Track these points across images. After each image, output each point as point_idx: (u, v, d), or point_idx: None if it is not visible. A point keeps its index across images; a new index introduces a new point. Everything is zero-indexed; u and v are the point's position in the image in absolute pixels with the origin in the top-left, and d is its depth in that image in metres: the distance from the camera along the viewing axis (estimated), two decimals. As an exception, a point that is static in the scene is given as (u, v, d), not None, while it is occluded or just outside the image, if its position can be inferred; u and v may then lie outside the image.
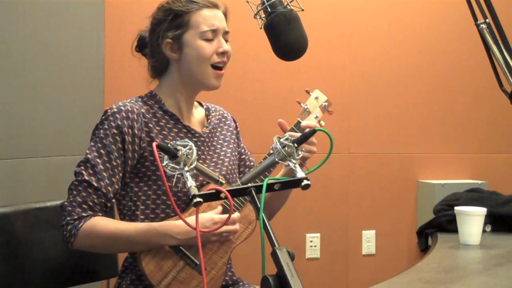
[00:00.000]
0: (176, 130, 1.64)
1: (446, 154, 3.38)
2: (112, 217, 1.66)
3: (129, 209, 1.61)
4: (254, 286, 1.73)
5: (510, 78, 1.58)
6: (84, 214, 1.52)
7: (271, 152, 1.20)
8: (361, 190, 3.26)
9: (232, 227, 1.57)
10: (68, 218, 1.51)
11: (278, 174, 1.74)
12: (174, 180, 1.13)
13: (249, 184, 1.11)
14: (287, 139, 1.17)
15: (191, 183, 1.09)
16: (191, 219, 1.50)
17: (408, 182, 3.32)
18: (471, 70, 3.34)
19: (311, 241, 3.19)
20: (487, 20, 1.63)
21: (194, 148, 1.13)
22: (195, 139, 1.67)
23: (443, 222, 2.19)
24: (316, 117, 1.72)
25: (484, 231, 2.03)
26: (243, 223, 1.64)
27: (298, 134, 1.59)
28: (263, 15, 1.47)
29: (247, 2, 1.50)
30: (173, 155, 1.11)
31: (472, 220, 1.96)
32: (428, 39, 3.33)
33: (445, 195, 2.41)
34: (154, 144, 1.09)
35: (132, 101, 1.63)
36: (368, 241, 3.28)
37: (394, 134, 3.31)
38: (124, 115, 1.57)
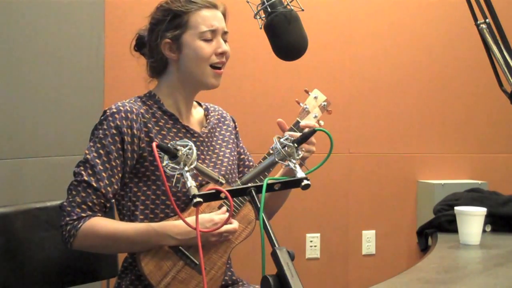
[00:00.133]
0: (175, 130, 1.64)
1: (446, 154, 3.38)
2: (112, 217, 1.66)
3: (128, 209, 1.61)
4: (254, 286, 1.73)
5: (510, 78, 1.58)
6: (83, 215, 1.52)
7: (270, 152, 1.20)
8: (361, 190, 3.26)
9: (231, 227, 1.57)
10: (68, 219, 1.51)
11: (277, 174, 1.74)
12: (174, 180, 1.13)
13: (249, 184, 1.11)
14: (287, 139, 1.17)
15: (191, 183, 1.09)
16: (190, 219, 1.51)
17: (408, 182, 3.32)
18: (471, 70, 3.34)
19: (311, 241, 3.19)
20: (487, 20, 1.63)
21: (194, 148, 1.13)
22: (194, 139, 1.67)
23: (443, 222, 2.19)
24: (315, 116, 1.72)
25: (484, 231, 2.03)
26: (243, 223, 1.64)
27: (298, 134, 1.59)
28: (263, 15, 1.47)
29: (247, 2, 1.50)
30: (173, 155, 1.11)
31: (472, 220, 1.96)
32: (428, 39, 3.33)
33: (445, 195, 2.41)
34: (154, 144, 1.09)
35: (131, 101, 1.63)
36: (368, 241, 3.28)
37: (394, 134, 3.31)
38: (123, 115, 1.57)
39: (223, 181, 1.29)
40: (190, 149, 1.12)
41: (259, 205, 1.07)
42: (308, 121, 1.69)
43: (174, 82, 1.67)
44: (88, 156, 1.55)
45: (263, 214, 1.06)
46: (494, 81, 1.71)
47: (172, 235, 1.52)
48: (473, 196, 2.29)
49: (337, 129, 3.14)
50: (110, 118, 1.56)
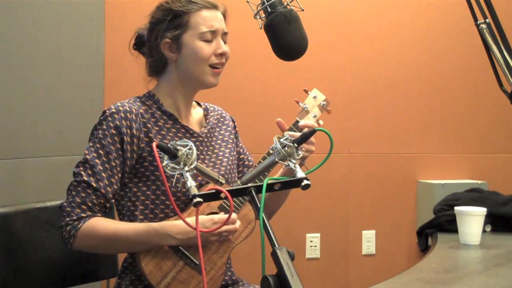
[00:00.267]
0: (174, 130, 1.64)
1: (446, 154, 3.38)
2: (112, 217, 1.65)
3: (128, 209, 1.61)
4: (254, 286, 1.73)
5: (510, 78, 1.58)
6: (83, 215, 1.52)
7: (270, 152, 1.20)
8: (361, 190, 3.26)
9: (231, 227, 1.57)
10: (67, 219, 1.51)
11: (277, 174, 1.74)
12: (174, 180, 1.13)
13: (249, 184, 1.11)
14: (287, 139, 1.17)
15: (191, 183, 1.09)
16: (190, 219, 1.50)
17: (408, 182, 3.32)
18: (471, 70, 3.34)
19: (311, 241, 3.19)
20: (487, 20, 1.63)
21: (194, 148, 1.13)
22: (193, 139, 1.67)
23: (443, 222, 2.19)
24: (315, 116, 1.72)
25: (484, 231, 2.03)
26: (242, 223, 1.64)
27: (298, 134, 1.59)
28: (263, 15, 1.47)
29: (247, 2, 1.50)
30: (173, 155, 1.11)
31: (472, 220, 1.96)
32: (428, 39, 3.33)
33: (445, 195, 2.41)
34: (154, 144, 1.09)
35: (131, 101, 1.63)
36: (368, 241, 3.28)
37: (394, 134, 3.31)
38: (123, 115, 1.57)
39: (223, 181, 1.29)
40: (190, 149, 1.12)
41: (259, 205, 1.07)
42: (307, 121, 1.69)
43: (174, 82, 1.66)
44: (87, 156, 1.55)
45: (263, 214, 1.06)
46: (494, 81, 1.71)
47: (172, 235, 1.52)
48: (473, 196, 2.28)
49: (337, 129, 3.14)
50: (110, 118, 1.56)
